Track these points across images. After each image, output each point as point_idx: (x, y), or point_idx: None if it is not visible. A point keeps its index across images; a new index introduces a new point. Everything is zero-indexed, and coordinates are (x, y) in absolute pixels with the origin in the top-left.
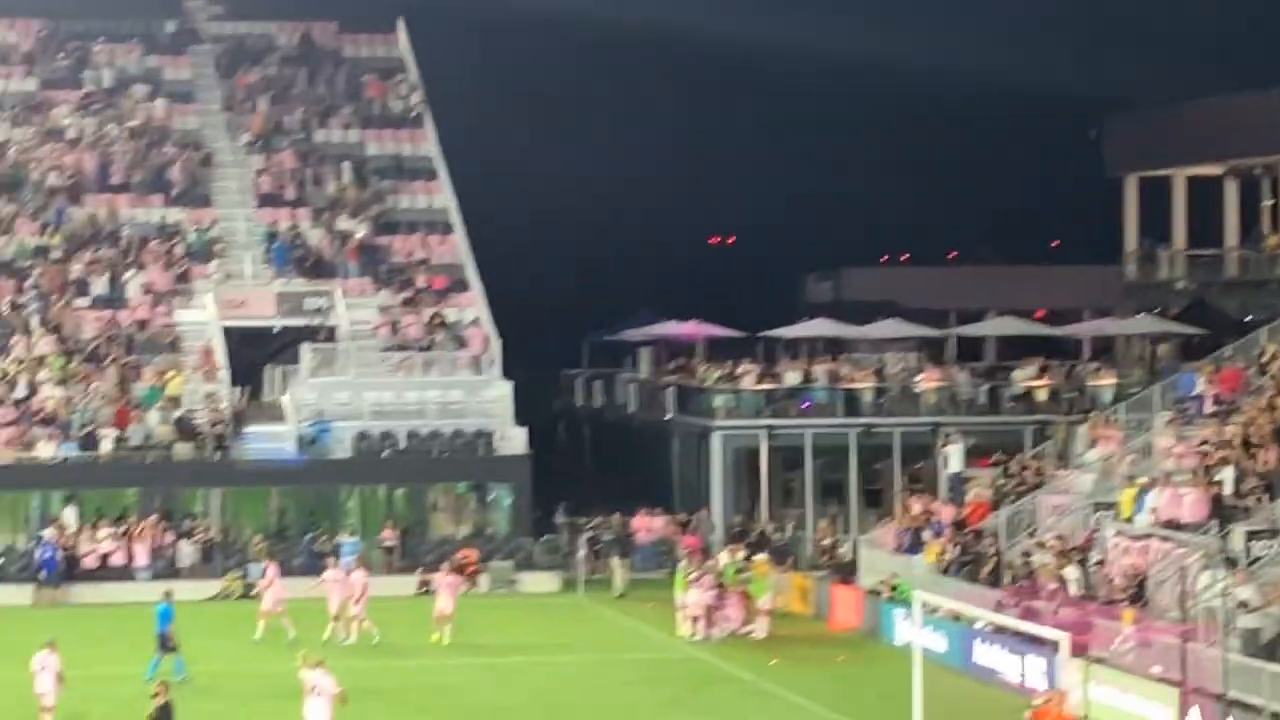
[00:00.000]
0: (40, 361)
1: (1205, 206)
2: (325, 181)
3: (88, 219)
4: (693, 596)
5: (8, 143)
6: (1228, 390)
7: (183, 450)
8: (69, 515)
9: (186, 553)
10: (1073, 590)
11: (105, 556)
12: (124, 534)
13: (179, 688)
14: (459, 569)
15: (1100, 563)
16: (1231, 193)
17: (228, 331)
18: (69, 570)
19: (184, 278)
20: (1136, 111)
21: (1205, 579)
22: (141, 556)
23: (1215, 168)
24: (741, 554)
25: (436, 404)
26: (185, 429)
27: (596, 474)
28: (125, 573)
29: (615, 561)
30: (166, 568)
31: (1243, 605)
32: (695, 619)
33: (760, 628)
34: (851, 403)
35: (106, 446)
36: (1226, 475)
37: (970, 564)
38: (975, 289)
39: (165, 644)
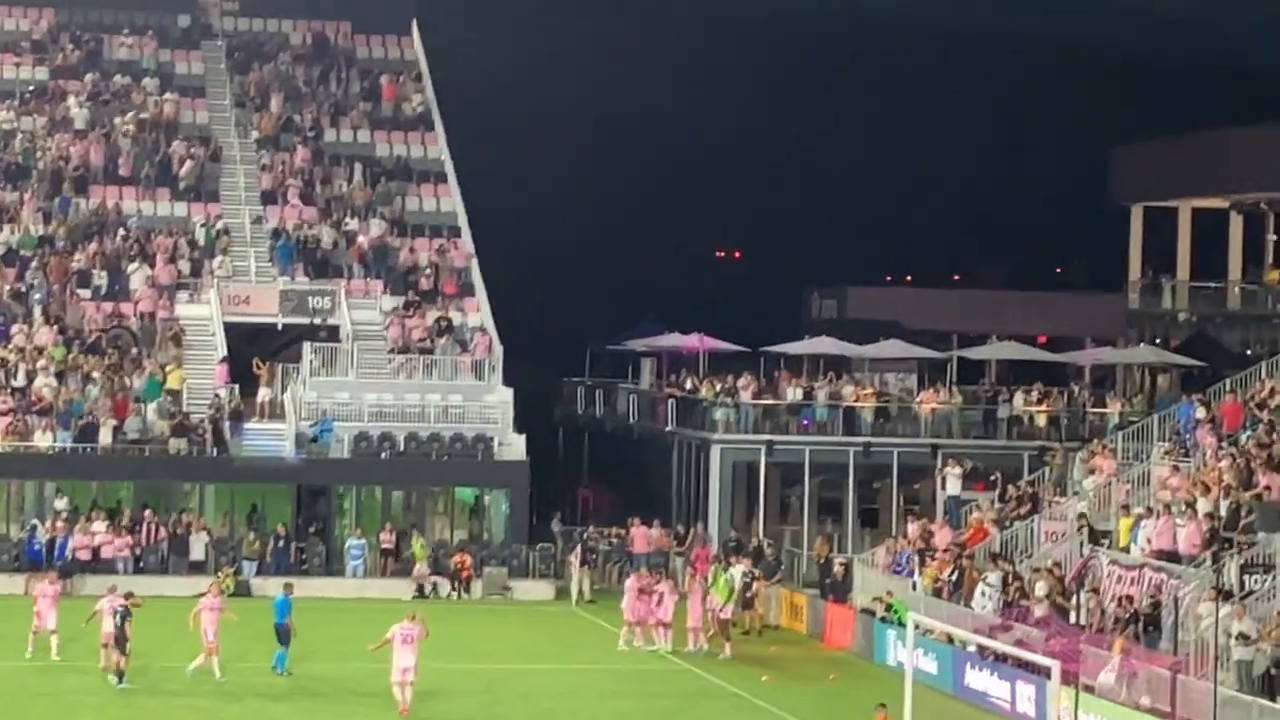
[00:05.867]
0: (40, 351)
1: (1210, 239)
2: (333, 181)
3: (93, 210)
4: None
5: (15, 131)
6: (1226, 424)
7: (179, 445)
8: (60, 506)
9: (178, 548)
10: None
11: (97, 549)
12: (118, 527)
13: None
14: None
15: (1094, 591)
16: (1236, 226)
17: (230, 327)
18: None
19: (188, 272)
20: (1143, 142)
21: (1205, 610)
22: (133, 550)
23: (1221, 201)
24: (742, 567)
25: (437, 407)
26: (183, 424)
27: (594, 483)
28: (111, 566)
29: (578, 569)
30: (157, 563)
31: (1242, 638)
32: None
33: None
34: (851, 421)
35: (104, 438)
36: (1222, 508)
37: (965, 588)
38: (978, 312)
39: (283, 636)
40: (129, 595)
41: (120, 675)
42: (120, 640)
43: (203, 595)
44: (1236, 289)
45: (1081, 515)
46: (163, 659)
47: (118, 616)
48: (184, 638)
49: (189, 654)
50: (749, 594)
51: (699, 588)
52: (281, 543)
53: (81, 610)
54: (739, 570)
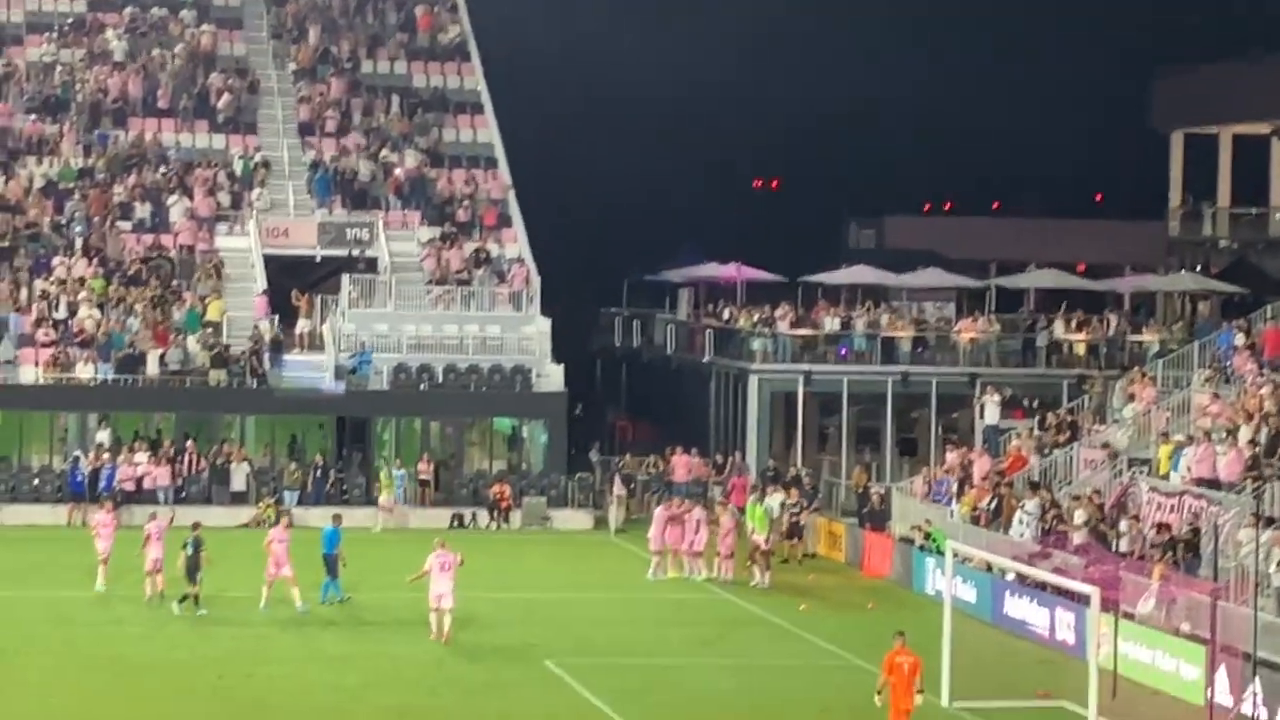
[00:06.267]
0: (80, 283)
1: (1251, 165)
2: (371, 113)
3: (132, 143)
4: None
5: (54, 63)
6: (1267, 350)
7: (220, 376)
8: (103, 437)
9: (220, 479)
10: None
11: (140, 480)
12: (160, 458)
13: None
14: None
15: (1134, 518)
16: (1278, 152)
17: (269, 260)
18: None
19: (227, 204)
20: (1185, 67)
21: (1245, 537)
22: (176, 480)
23: (1262, 126)
24: (779, 497)
25: (475, 339)
26: (222, 355)
27: (632, 414)
28: (153, 496)
29: (616, 499)
30: (200, 493)
31: None
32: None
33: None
34: (889, 351)
35: (144, 370)
36: (1262, 435)
37: (1004, 516)
38: (1017, 240)
39: (331, 566)
40: (196, 525)
41: (182, 600)
42: (192, 570)
43: (272, 527)
44: (1278, 215)
45: (1106, 445)
46: (206, 588)
47: (189, 546)
48: (227, 567)
49: (234, 583)
50: (797, 522)
51: (730, 517)
52: (319, 473)
53: (134, 540)
54: (776, 500)
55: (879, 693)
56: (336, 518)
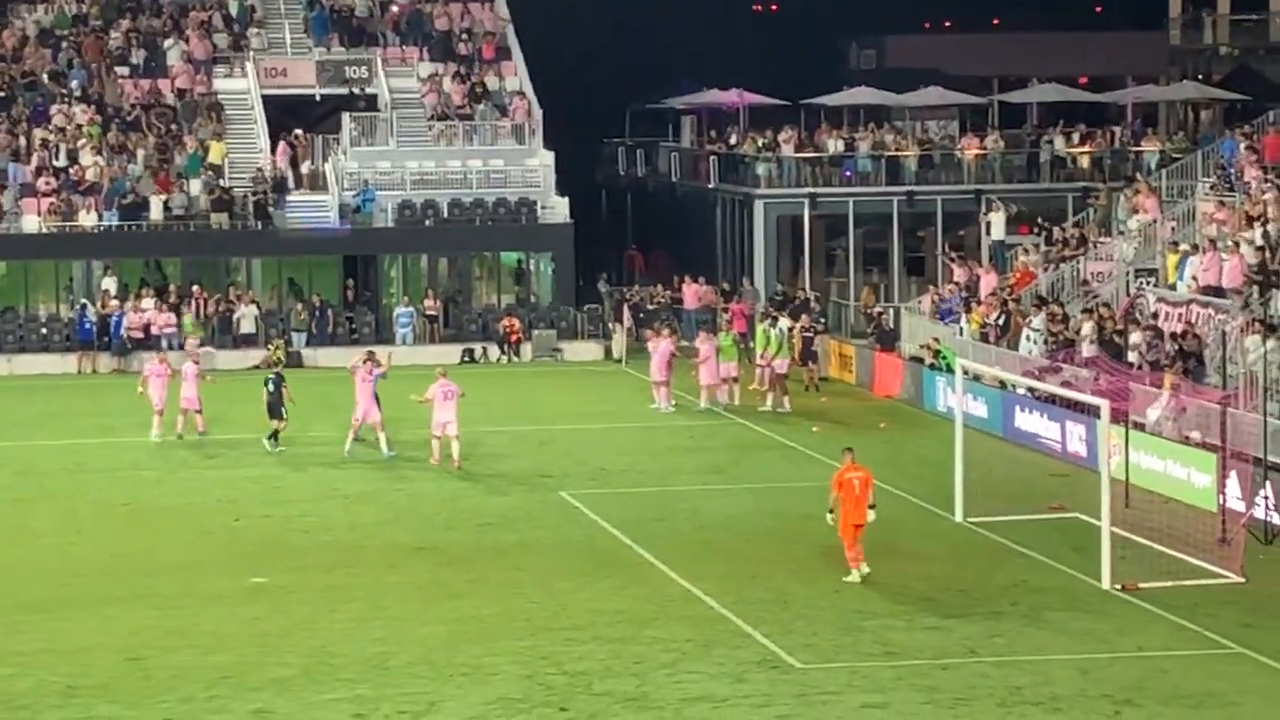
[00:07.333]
0: (80, 130)
1: None
2: None
3: None
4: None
5: None
6: (1269, 155)
7: (222, 220)
8: (109, 284)
9: (228, 323)
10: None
11: (147, 326)
12: (167, 304)
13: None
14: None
15: (1148, 329)
16: None
17: (268, 100)
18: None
19: (224, 46)
20: None
21: (1252, 344)
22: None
23: None
24: (785, 321)
25: (479, 173)
26: (222, 199)
27: (638, 243)
28: (164, 342)
29: (623, 330)
30: (208, 338)
31: None
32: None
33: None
34: (894, 171)
35: (148, 215)
36: (1265, 242)
37: (1012, 332)
38: (1018, 56)
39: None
40: (277, 361)
41: (272, 436)
42: (274, 406)
43: (355, 369)
44: (1278, 20)
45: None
46: (222, 431)
47: (270, 384)
48: (236, 410)
49: (246, 425)
50: (811, 344)
51: (709, 346)
52: (319, 313)
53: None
54: (785, 324)
55: (831, 511)
56: (371, 354)
